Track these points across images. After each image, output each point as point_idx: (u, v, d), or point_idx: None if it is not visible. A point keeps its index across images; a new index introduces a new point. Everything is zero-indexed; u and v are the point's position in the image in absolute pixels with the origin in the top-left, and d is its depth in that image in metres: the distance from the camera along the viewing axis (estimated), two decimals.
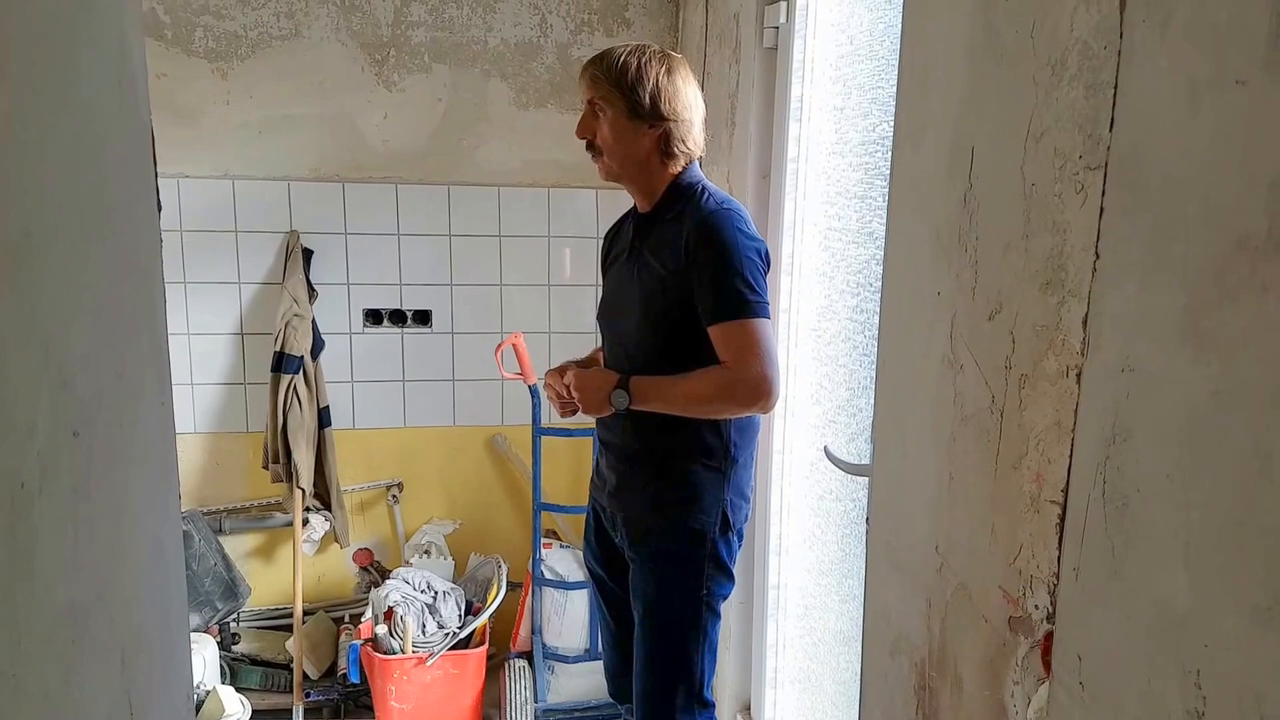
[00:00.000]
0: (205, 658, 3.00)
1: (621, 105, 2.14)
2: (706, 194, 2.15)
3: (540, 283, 3.59)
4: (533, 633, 3.35)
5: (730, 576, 2.26)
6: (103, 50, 0.83)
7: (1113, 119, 0.99)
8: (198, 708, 2.85)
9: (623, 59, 2.16)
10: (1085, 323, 1.07)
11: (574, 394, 2.21)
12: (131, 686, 0.89)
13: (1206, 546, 0.85)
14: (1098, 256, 1.02)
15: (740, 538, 2.27)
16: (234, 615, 3.38)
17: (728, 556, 2.24)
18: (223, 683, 3.12)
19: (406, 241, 3.47)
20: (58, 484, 0.72)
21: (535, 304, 3.59)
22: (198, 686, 2.93)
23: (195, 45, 3.26)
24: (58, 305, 0.73)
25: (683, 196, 2.16)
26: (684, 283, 2.08)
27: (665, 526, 2.22)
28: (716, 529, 2.20)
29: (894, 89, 1.59)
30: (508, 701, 3.22)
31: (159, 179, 1.08)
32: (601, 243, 2.48)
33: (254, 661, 3.41)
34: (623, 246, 2.31)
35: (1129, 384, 0.96)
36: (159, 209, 1.00)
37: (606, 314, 2.37)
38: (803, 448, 2.58)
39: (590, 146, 2.23)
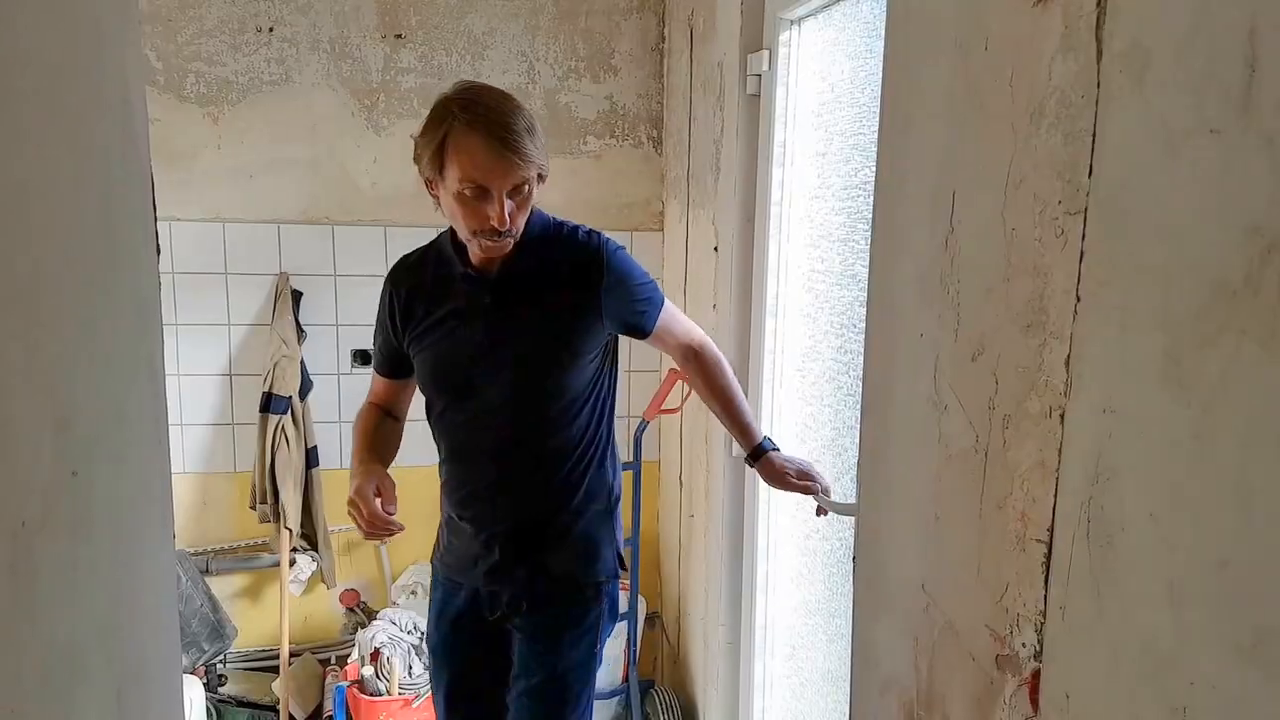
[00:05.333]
0: (191, 700, 2.98)
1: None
2: (567, 225, 2.14)
3: None
4: None
5: (615, 616, 2.27)
6: (109, 102, 0.85)
7: (1091, 166, 1.02)
8: None
9: (528, 120, 1.96)
10: (1067, 364, 1.09)
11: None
12: None
13: (1190, 585, 0.87)
14: (1079, 300, 1.04)
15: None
16: (220, 657, 3.36)
17: (615, 597, 2.25)
18: None
19: None
20: (58, 522, 0.73)
21: None
22: None
23: (187, 91, 3.30)
24: (62, 348, 0.74)
25: (545, 233, 2.10)
26: (595, 311, 2.09)
27: (572, 585, 2.19)
28: (613, 574, 2.21)
29: (875, 135, 1.62)
30: None
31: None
32: (392, 303, 2.19)
33: (240, 703, 3.39)
34: (457, 303, 2.11)
35: (1111, 425, 0.99)
36: (158, 253, 1.02)
37: (468, 378, 2.13)
38: None
39: (496, 233, 1.95)
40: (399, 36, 3.40)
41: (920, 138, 1.46)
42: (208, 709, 3.19)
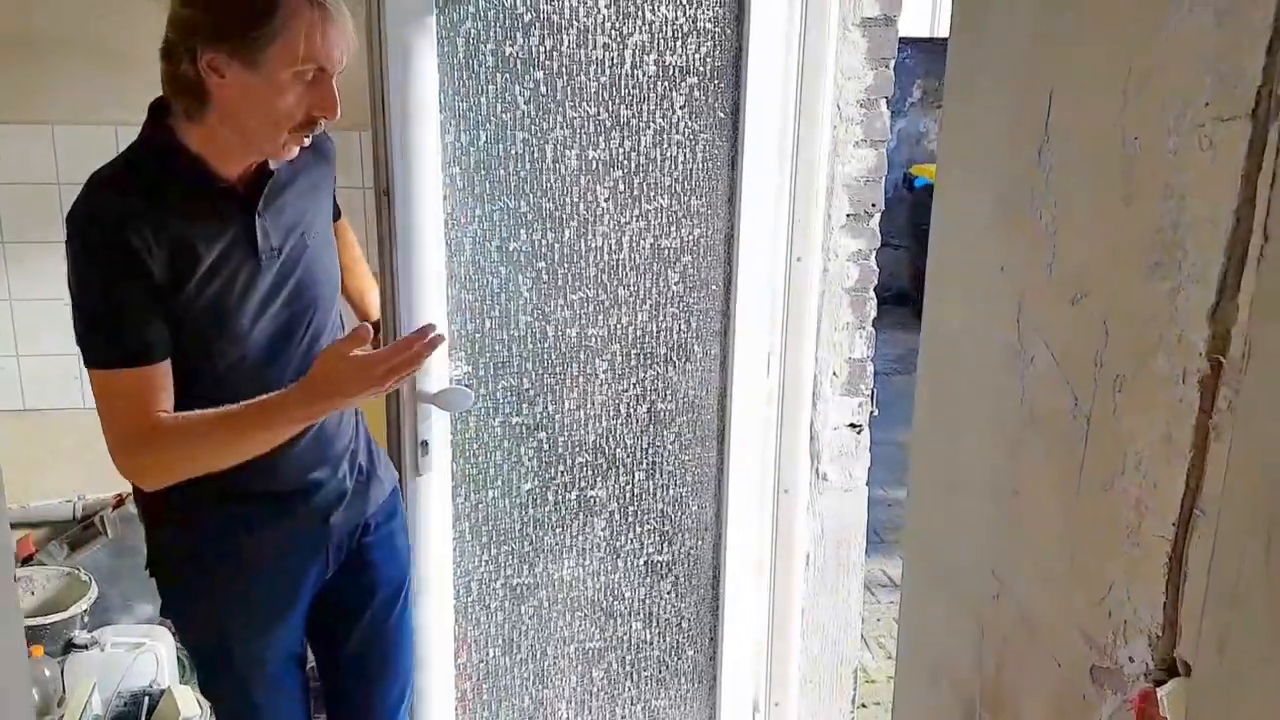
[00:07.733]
0: (159, 655, 2.74)
1: None
2: None
3: None
4: None
5: None
6: None
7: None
8: (150, 711, 2.62)
9: None
10: (1212, 316, 0.84)
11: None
12: None
13: None
14: (1265, 240, 0.77)
15: None
16: None
17: None
18: (180, 680, 2.87)
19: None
20: None
21: None
22: (150, 685, 2.71)
23: None
24: None
25: None
26: (332, 190, 1.99)
27: (395, 489, 2.13)
28: None
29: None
30: None
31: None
32: (142, 252, 1.58)
33: None
34: (224, 232, 1.69)
35: None
36: None
37: (276, 319, 1.77)
38: None
39: (315, 125, 1.69)
40: None
41: (1000, 25, 1.19)
42: (180, 661, 2.93)
